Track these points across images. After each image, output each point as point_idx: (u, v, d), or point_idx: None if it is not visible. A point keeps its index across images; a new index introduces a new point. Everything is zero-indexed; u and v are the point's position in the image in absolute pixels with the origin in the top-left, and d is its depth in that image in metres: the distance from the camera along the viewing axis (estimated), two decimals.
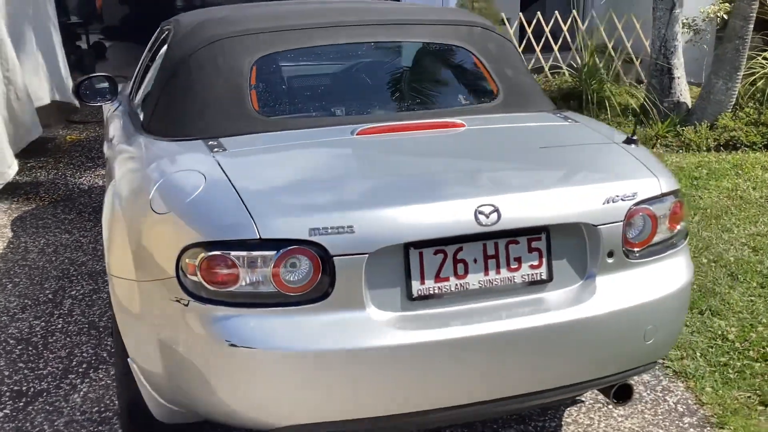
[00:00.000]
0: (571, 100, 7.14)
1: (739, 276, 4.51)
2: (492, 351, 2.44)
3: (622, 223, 2.60)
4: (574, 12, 8.90)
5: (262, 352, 2.31)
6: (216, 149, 2.79)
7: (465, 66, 3.50)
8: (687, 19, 8.24)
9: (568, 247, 2.58)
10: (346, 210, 2.38)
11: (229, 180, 2.52)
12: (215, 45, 3.19)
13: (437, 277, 2.45)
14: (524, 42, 8.94)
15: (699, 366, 3.62)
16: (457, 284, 2.47)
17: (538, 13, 9.03)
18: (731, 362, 3.64)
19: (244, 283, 2.35)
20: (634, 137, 2.97)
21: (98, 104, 4.21)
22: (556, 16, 8.90)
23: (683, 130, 7.08)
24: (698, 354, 3.72)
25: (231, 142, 2.87)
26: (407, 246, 2.41)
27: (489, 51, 3.46)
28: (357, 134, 2.90)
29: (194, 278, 2.37)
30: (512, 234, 2.50)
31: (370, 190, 2.53)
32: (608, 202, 2.58)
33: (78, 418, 3.32)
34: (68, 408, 3.39)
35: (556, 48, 8.90)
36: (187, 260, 2.38)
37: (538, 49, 8.95)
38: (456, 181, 2.61)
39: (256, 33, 3.24)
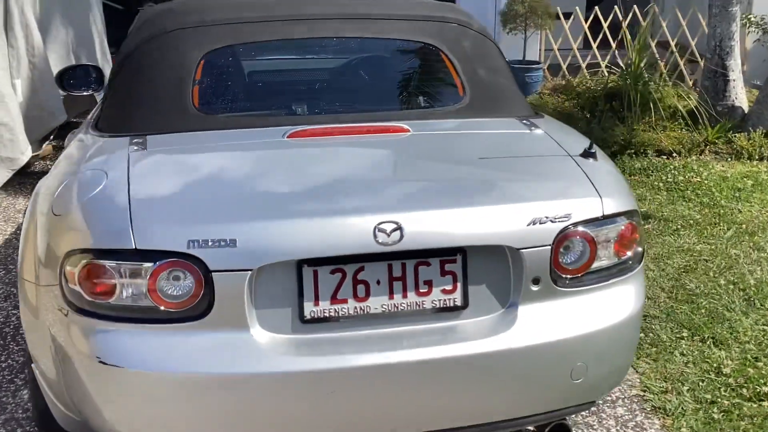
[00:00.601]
0: (614, 100, 6.74)
1: (757, 301, 4.12)
2: (392, 383, 2.23)
3: (550, 247, 2.33)
4: (635, 7, 8.44)
5: (132, 373, 2.16)
6: (136, 147, 2.65)
7: (431, 65, 3.26)
8: (755, 17, 7.70)
9: (488, 272, 2.34)
10: (230, 221, 2.20)
11: (128, 182, 2.38)
12: (163, 37, 3.05)
13: (334, 299, 2.24)
14: (581, 37, 8.54)
15: (683, 402, 3.29)
16: (356, 307, 2.26)
17: (596, 8, 8.60)
18: (720, 400, 3.29)
19: (122, 296, 2.20)
20: (592, 150, 2.68)
21: (80, 94, 4.13)
22: (616, 12, 8.45)
23: (735, 136, 6.60)
24: (685, 388, 3.38)
25: (156, 140, 2.72)
26: (301, 263, 2.21)
27: (462, 49, 3.21)
28: (288, 137, 2.71)
29: (74, 287, 2.23)
30: (422, 255, 2.27)
31: (265, 201, 2.35)
32: (534, 224, 2.32)
33: (18, 416, 3.25)
34: (13, 404, 3.33)
35: (614, 45, 8.46)
36: (68, 267, 2.25)
37: (594, 46, 8.53)
38: (363, 193, 2.40)
39: (209, 25, 3.08)
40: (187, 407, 2.18)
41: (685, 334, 3.81)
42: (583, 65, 8.50)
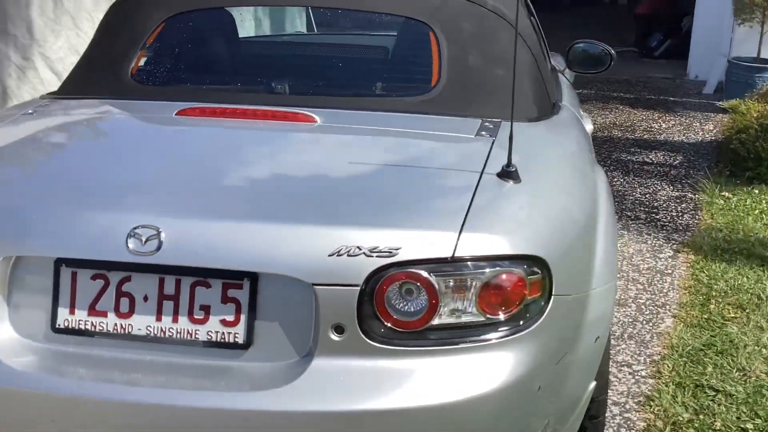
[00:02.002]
0: None
1: None
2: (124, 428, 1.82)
3: (358, 288, 1.77)
4: None
5: None
6: (31, 111, 2.52)
7: (410, 48, 2.74)
8: None
9: (287, 308, 1.83)
10: None
11: None
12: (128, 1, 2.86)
13: (92, 309, 1.88)
14: None
15: None
16: (117, 324, 1.88)
17: None
18: None
19: None
20: (511, 168, 2.02)
21: None
22: None
23: None
24: None
25: (64, 105, 2.61)
26: (59, 262, 1.88)
27: (460, 31, 2.62)
28: (176, 114, 2.40)
29: None
30: (202, 273, 1.83)
31: (44, 185, 2.05)
32: (339, 255, 1.76)
33: None
34: None
35: None
36: None
37: None
38: (139, 189, 2.00)
39: None
40: None
41: None
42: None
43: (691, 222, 4.78)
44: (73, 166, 2.17)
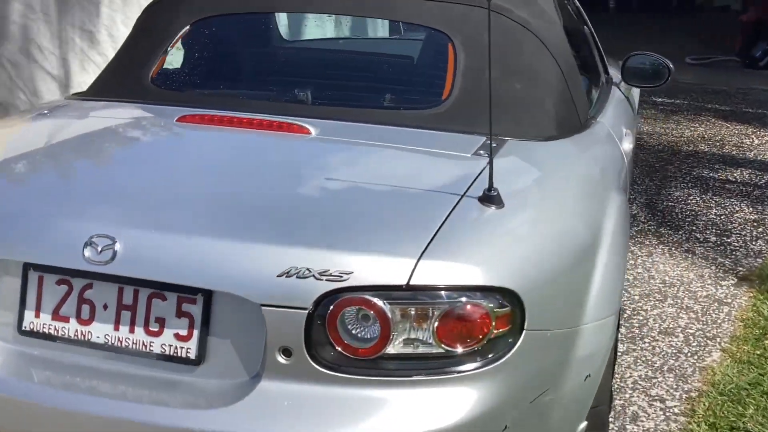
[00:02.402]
0: None
1: None
2: None
3: (306, 311, 1.71)
4: None
5: None
6: (48, 111, 2.60)
7: (426, 59, 2.64)
8: None
9: (240, 326, 1.79)
10: None
11: None
12: (158, 4, 2.88)
13: (56, 314, 1.89)
14: None
15: None
16: (78, 330, 1.88)
17: None
18: None
19: None
20: (492, 192, 1.90)
21: None
22: None
23: None
24: None
25: (74, 107, 2.64)
26: (27, 266, 1.90)
27: (480, 43, 2.51)
28: (177, 120, 2.39)
29: None
30: (158, 285, 1.81)
31: (23, 190, 2.08)
32: (288, 276, 1.70)
33: None
34: None
35: None
36: None
37: None
38: (104, 197, 1.98)
39: None
40: None
41: None
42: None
43: (764, 248, 4.47)
44: (55, 170, 2.19)
